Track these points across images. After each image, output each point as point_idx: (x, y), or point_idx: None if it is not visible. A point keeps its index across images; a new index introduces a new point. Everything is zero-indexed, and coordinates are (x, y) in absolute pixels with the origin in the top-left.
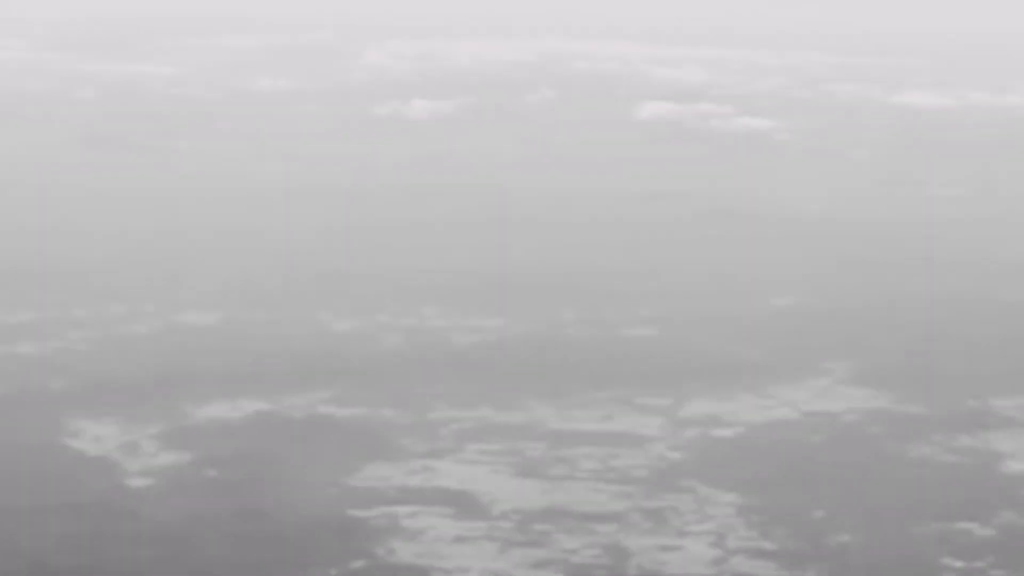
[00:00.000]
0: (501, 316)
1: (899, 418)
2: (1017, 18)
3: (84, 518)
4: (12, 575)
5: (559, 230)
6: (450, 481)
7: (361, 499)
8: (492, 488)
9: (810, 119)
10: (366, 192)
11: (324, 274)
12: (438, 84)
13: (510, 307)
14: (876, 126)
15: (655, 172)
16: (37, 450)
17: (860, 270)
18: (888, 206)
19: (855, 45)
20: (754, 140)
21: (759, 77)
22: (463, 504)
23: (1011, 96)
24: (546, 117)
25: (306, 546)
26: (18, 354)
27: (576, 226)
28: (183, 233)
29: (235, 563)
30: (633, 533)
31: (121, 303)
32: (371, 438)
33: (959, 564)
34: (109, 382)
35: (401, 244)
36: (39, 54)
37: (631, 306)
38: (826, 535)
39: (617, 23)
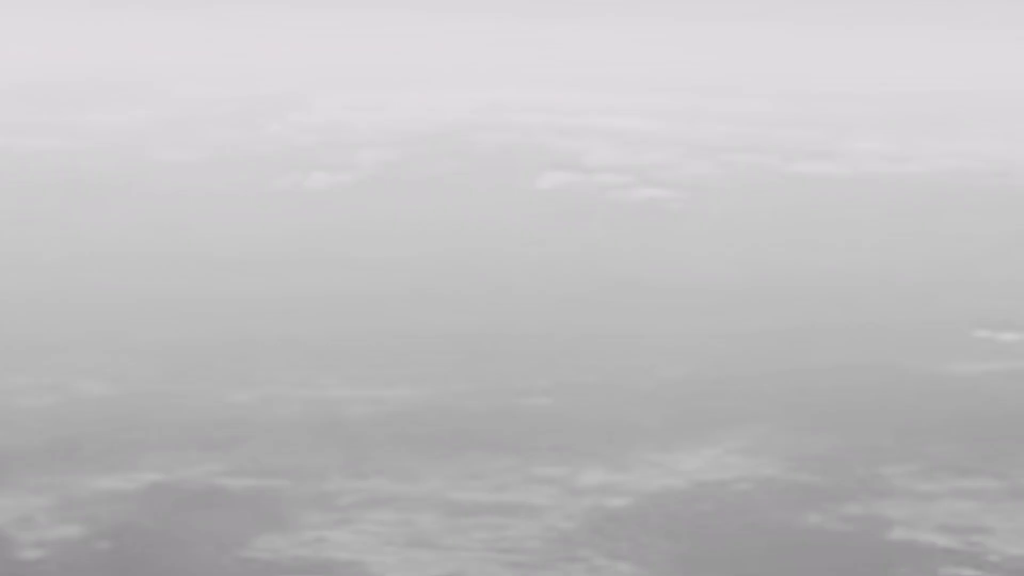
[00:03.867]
0: (398, 387)
1: (789, 487)
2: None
3: None
4: None
5: (456, 300)
6: (343, 552)
7: (254, 570)
8: (384, 558)
9: (706, 188)
10: (264, 263)
11: (221, 344)
12: (339, 152)
13: (407, 378)
14: (771, 194)
15: (555, 242)
16: None
17: (755, 339)
18: (783, 275)
19: (747, 116)
20: (653, 208)
21: (655, 147)
22: (355, 574)
23: (907, 164)
24: (446, 187)
25: None
26: None
27: (473, 295)
28: (83, 304)
29: None
30: None
31: (18, 374)
32: (265, 509)
33: None
34: (4, 454)
35: (299, 314)
36: None
37: (528, 375)
38: None
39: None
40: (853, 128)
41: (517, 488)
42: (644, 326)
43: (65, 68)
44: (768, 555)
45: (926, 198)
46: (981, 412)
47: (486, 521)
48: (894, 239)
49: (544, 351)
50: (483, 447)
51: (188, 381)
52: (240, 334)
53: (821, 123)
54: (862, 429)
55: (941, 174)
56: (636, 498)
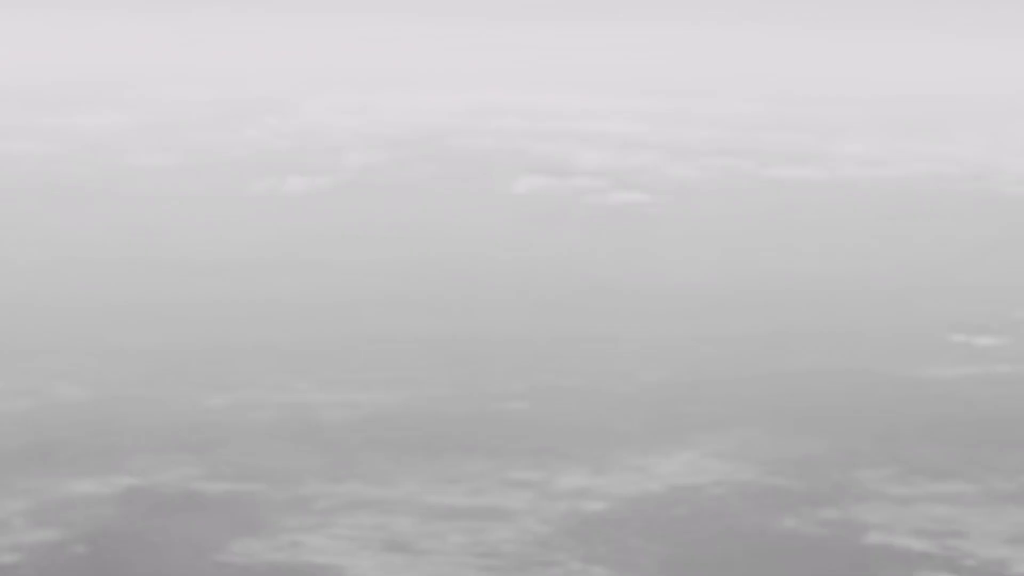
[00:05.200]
0: (373, 391)
1: (764, 491)
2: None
3: None
4: None
5: (431, 304)
6: (320, 556)
7: (230, 574)
8: (360, 562)
9: (682, 192)
10: (239, 267)
11: (194, 350)
12: (316, 156)
13: (383, 382)
14: (751, 198)
15: (531, 246)
16: None
17: (732, 343)
18: (758, 279)
19: (730, 120)
20: (629, 213)
21: (631, 152)
22: None
23: (883, 169)
24: (421, 190)
25: None
26: None
27: (448, 299)
28: (58, 307)
29: None
30: None
31: None
32: (241, 513)
33: None
34: None
35: (273, 319)
36: None
37: (504, 379)
38: None
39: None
40: (834, 132)
41: (493, 492)
42: (622, 330)
43: (44, 71)
44: (745, 559)
45: (903, 202)
46: (957, 416)
47: (462, 525)
48: (871, 243)
49: (521, 355)
50: (459, 451)
51: (164, 385)
52: (216, 338)
53: (802, 127)
54: (839, 433)
55: (919, 178)
56: (613, 502)
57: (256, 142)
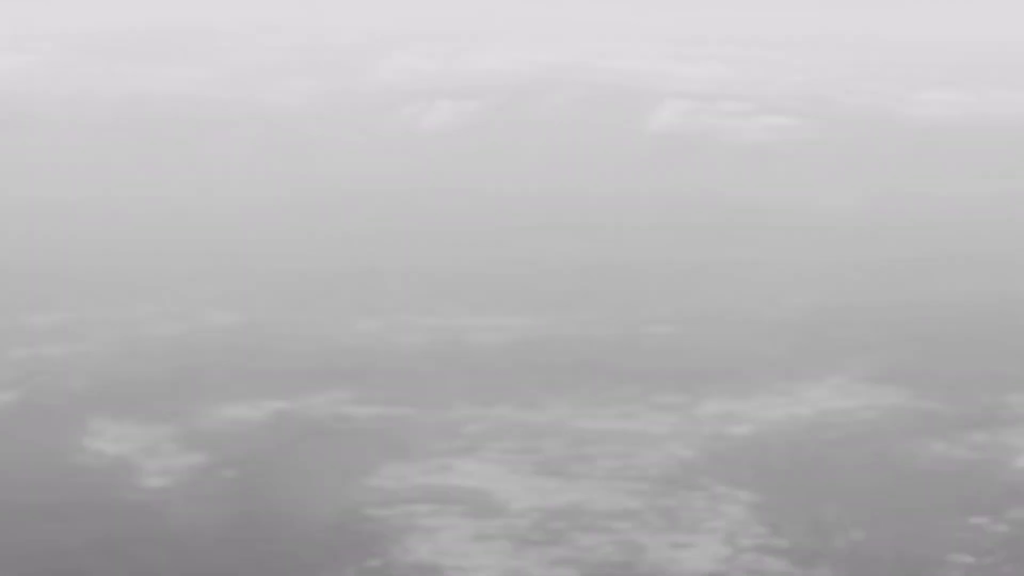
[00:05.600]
0: (522, 315)
1: (914, 415)
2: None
3: (105, 518)
4: (34, 575)
5: (578, 231)
6: (468, 480)
7: (379, 498)
8: (510, 486)
9: (829, 119)
10: (390, 194)
11: (345, 275)
12: (461, 87)
13: (531, 307)
14: (894, 127)
15: (675, 172)
16: (59, 451)
17: (877, 270)
18: (906, 206)
19: (866, 48)
20: (772, 142)
21: (777, 76)
22: (481, 503)
23: (1016, 106)
24: (568, 119)
25: (323, 545)
26: (41, 356)
27: (595, 228)
28: (208, 236)
29: (252, 562)
30: (647, 530)
31: (145, 304)
32: (390, 437)
33: (970, 560)
34: (131, 383)
35: (423, 245)
36: (60, 57)
37: (650, 305)
38: (838, 532)
39: (630, 28)
40: (971, 70)
41: (640, 417)
42: (766, 256)
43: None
44: (894, 484)
45: None
46: None
47: (610, 449)
48: (1013, 172)
49: (667, 281)
50: (607, 375)
51: (313, 311)
52: (364, 264)
53: (936, 64)
54: (988, 358)
55: None
56: (759, 426)
57: (398, 72)
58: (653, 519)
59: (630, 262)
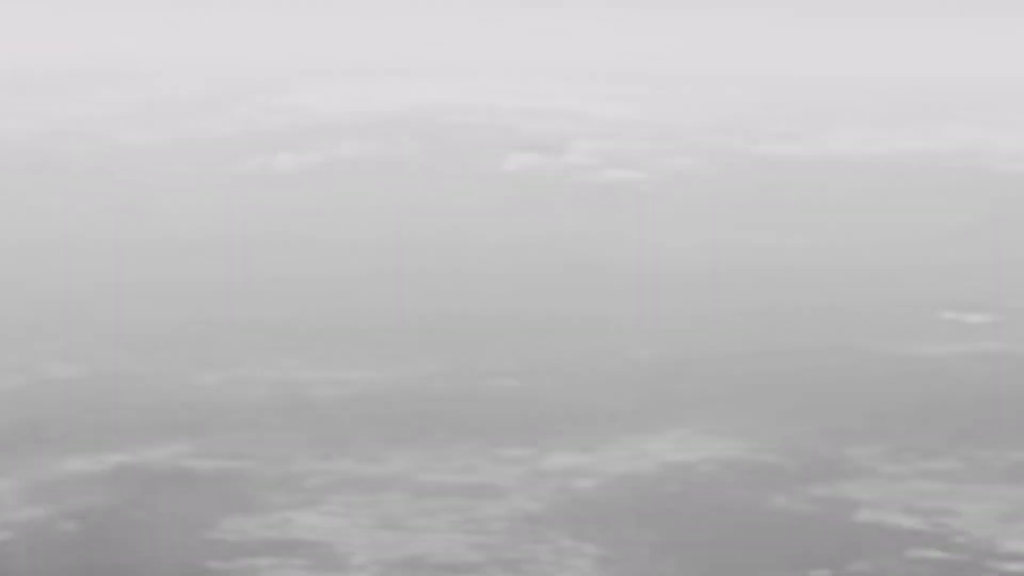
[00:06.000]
0: (364, 368)
1: (755, 468)
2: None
3: None
4: None
5: (421, 281)
6: (310, 533)
7: (221, 551)
8: (352, 539)
9: (673, 170)
10: (230, 245)
11: (185, 327)
12: (307, 135)
13: (373, 359)
14: (738, 177)
15: (520, 223)
16: None
17: (720, 321)
18: (748, 257)
19: (713, 96)
20: (620, 191)
21: (623, 129)
22: (323, 555)
23: (873, 146)
24: (413, 168)
25: None
26: None
27: (442, 276)
28: (49, 286)
29: None
30: None
31: None
32: (232, 491)
33: None
34: None
35: (265, 296)
36: None
37: (495, 357)
38: None
39: (481, 66)
40: (824, 116)
41: (484, 469)
42: (612, 308)
43: (37, 57)
44: (736, 537)
45: (893, 180)
46: (947, 394)
47: (452, 503)
48: (861, 220)
49: (511, 333)
50: (450, 429)
51: (154, 363)
52: (206, 316)
53: (792, 112)
54: (828, 411)
55: (910, 156)
56: (604, 479)
57: (247, 121)
58: (496, 572)
59: (472, 313)
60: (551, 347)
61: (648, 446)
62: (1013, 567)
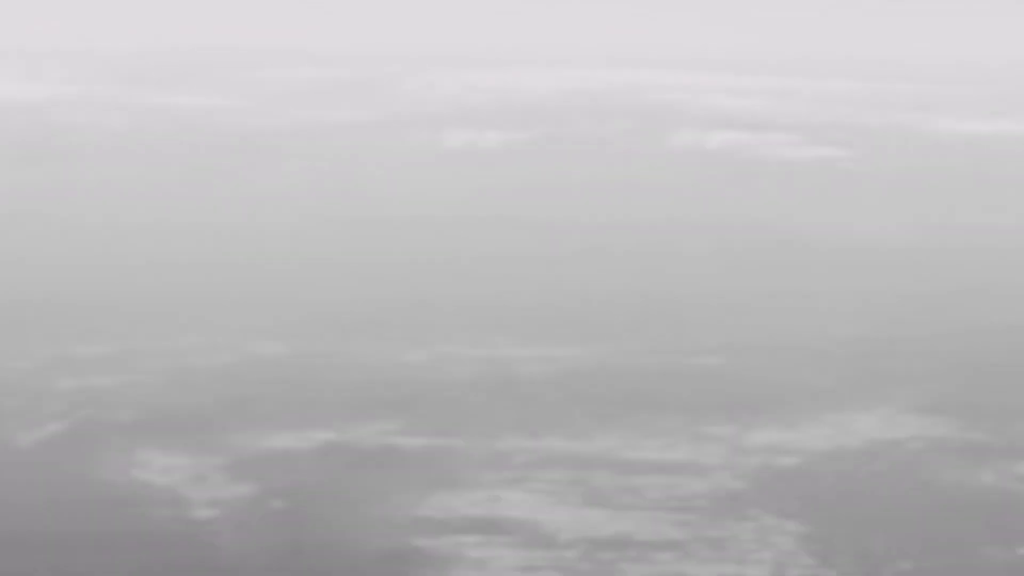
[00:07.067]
0: (570, 346)
1: (962, 446)
2: None
3: (152, 548)
4: None
5: (627, 260)
6: (517, 511)
7: (427, 529)
8: (558, 517)
9: (878, 147)
10: (436, 223)
11: (392, 305)
12: (511, 115)
13: (579, 337)
14: (944, 154)
15: (724, 202)
16: (108, 480)
17: (924, 299)
18: (955, 235)
19: (908, 73)
20: (823, 169)
21: (824, 106)
22: (529, 533)
23: None
24: (616, 147)
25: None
26: (91, 386)
27: (644, 255)
28: (256, 264)
29: None
30: (695, 561)
31: (192, 335)
32: (438, 468)
33: None
34: (179, 414)
35: (472, 275)
36: (108, 87)
37: (698, 335)
38: (886, 563)
39: (676, 52)
40: (1003, 90)
41: (687, 447)
42: (815, 286)
43: (218, 35)
44: (942, 515)
45: None
46: None
47: (657, 480)
48: None
49: (715, 311)
50: (654, 406)
51: (362, 341)
52: (413, 294)
53: (968, 84)
54: None
55: None
56: (807, 457)
57: (450, 98)
58: (700, 550)
59: (677, 291)
60: (754, 325)
61: (853, 424)
62: None
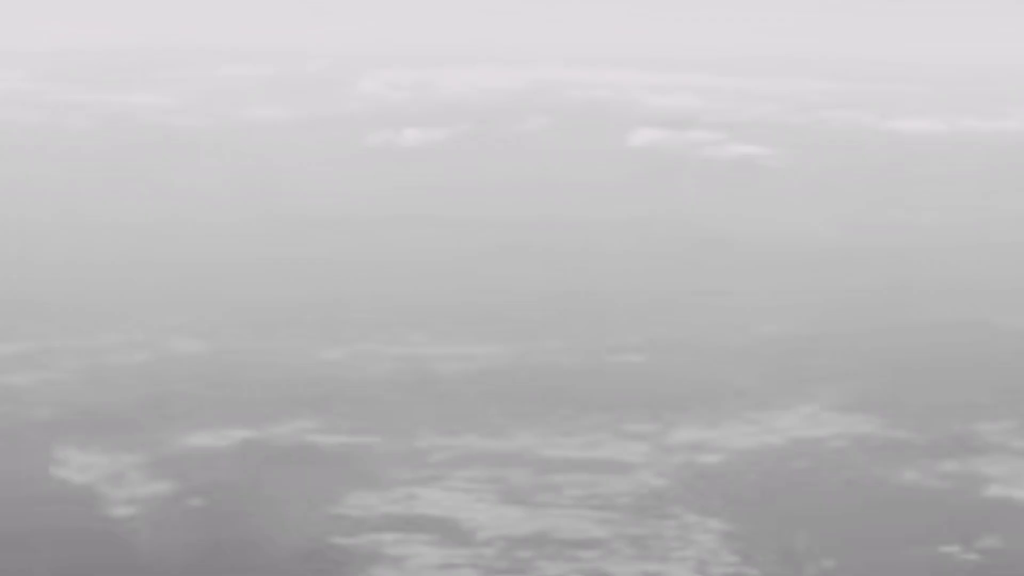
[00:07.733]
0: (489, 344)
1: (885, 444)
2: (1013, 45)
3: (70, 546)
4: None
5: (547, 258)
6: (435, 508)
7: (345, 527)
8: (476, 515)
9: (801, 146)
10: (356, 222)
11: (310, 303)
12: (431, 113)
13: (498, 335)
14: (867, 152)
15: (646, 200)
16: (24, 478)
17: (849, 297)
18: (878, 233)
19: (845, 71)
20: (746, 167)
21: (750, 104)
22: (447, 531)
23: (1004, 121)
24: (537, 145)
25: (290, 574)
26: (8, 384)
27: (566, 254)
28: (175, 263)
29: None
30: (617, 559)
31: (112, 332)
32: (356, 466)
33: None
34: (97, 412)
35: (390, 273)
36: (32, 84)
37: (619, 333)
38: (809, 561)
39: (609, 50)
40: (948, 89)
41: (608, 445)
42: (738, 284)
43: (161, 36)
44: (864, 512)
45: (1021, 155)
46: None
47: (577, 478)
48: (989, 197)
49: (636, 309)
50: (575, 404)
51: (279, 339)
52: (331, 292)
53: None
54: (958, 386)
55: None
56: (730, 455)
57: (370, 98)
58: (622, 547)
59: (598, 289)
60: (677, 323)
61: (776, 422)
62: None
